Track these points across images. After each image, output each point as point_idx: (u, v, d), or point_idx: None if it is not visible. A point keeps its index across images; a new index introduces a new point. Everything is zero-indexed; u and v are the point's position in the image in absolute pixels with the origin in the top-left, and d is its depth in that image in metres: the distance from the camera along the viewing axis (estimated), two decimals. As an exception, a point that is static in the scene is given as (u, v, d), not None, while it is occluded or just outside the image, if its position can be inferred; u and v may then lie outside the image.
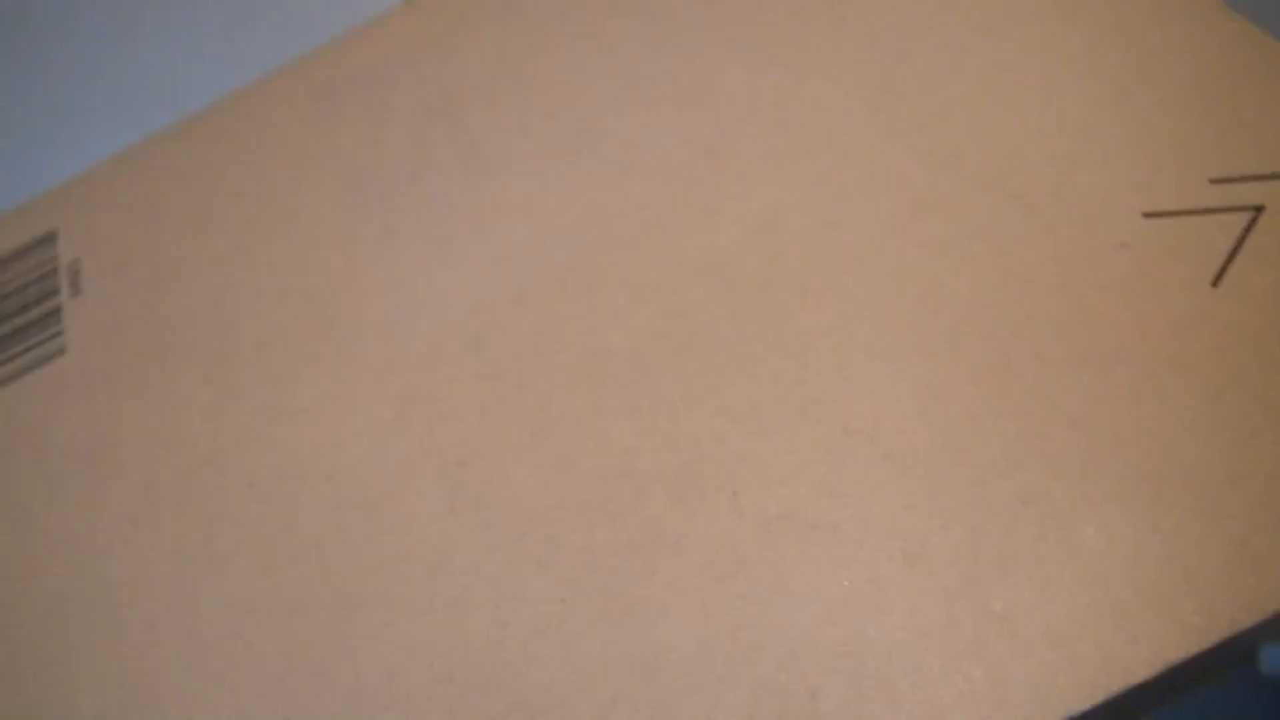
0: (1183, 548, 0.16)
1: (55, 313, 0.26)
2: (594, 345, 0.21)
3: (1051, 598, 0.16)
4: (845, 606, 0.17)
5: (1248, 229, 0.18)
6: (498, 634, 0.18)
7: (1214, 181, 0.19)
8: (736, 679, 0.17)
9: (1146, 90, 0.20)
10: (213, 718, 0.19)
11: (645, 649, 0.18)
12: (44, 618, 0.21)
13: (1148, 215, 0.19)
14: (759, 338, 0.20)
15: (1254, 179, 0.19)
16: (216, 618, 0.20)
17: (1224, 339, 0.18)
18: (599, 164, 0.24)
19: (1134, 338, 0.18)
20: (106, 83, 0.34)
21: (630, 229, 0.22)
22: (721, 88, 0.24)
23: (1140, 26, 0.22)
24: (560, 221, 0.23)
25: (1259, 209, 0.19)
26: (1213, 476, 0.16)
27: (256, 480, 0.22)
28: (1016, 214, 0.20)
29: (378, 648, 0.19)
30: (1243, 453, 0.17)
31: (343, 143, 0.27)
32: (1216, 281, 0.18)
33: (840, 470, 0.18)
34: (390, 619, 0.19)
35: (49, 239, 0.29)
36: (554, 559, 0.19)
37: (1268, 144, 0.19)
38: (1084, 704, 0.15)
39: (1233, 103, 0.20)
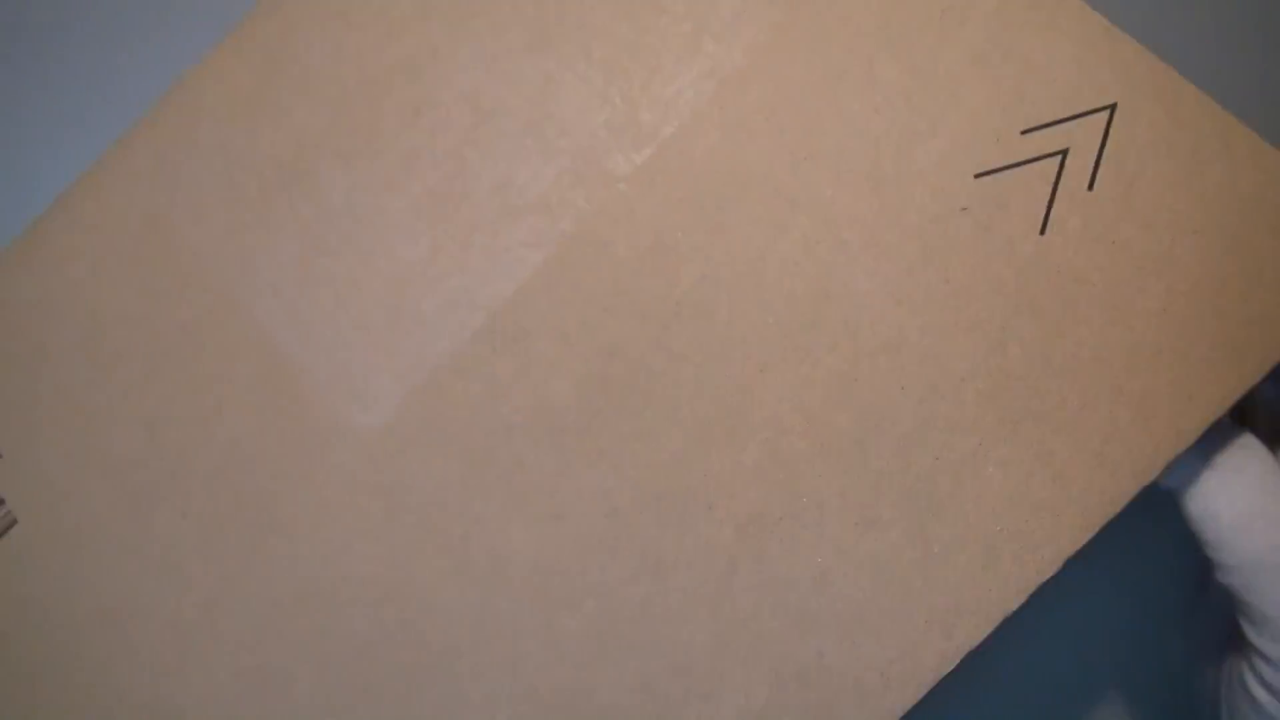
0: (1060, 467, 0.21)
1: (-16, 485, 0.26)
2: (541, 401, 0.23)
3: (975, 531, 0.21)
4: (825, 579, 0.21)
5: (1059, 174, 0.22)
6: (558, 674, 0.22)
7: (1024, 132, 0.22)
8: (758, 659, 0.21)
9: (952, 51, 0.23)
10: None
11: (680, 655, 0.22)
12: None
13: (978, 176, 0.22)
14: (685, 360, 0.23)
15: (1056, 124, 0.22)
16: (306, 734, 0.23)
17: (1057, 281, 0.22)
18: (477, 210, 0.25)
19: (989, 295, 0.22)
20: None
21: (534, 275, 0.24)
22: (566, 97, 0.25)
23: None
24: (464, 281, 0.24)
25: (1064, 152, 0.22)
26: (1071, 403, 0.21)
27: (280, 598, 0.24)
28: (871, 195, 0.23)
29: None
30: (1088, 377, 0.21)
31: (203, 237, 0.26)
32: (1044, 229, 0.22)
33: (788, 466, 0.22)
34: (463, 691, 0.23)
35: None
36: (578, 602, 0.22)
37: (1060, 89, 0.22)
38: (1014, 605, 0.21)
39: (1026, 54, 0.23)
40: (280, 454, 0.25)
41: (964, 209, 0.22)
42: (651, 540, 0.22)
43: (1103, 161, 0.22)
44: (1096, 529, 0.21)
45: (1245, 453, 0.22)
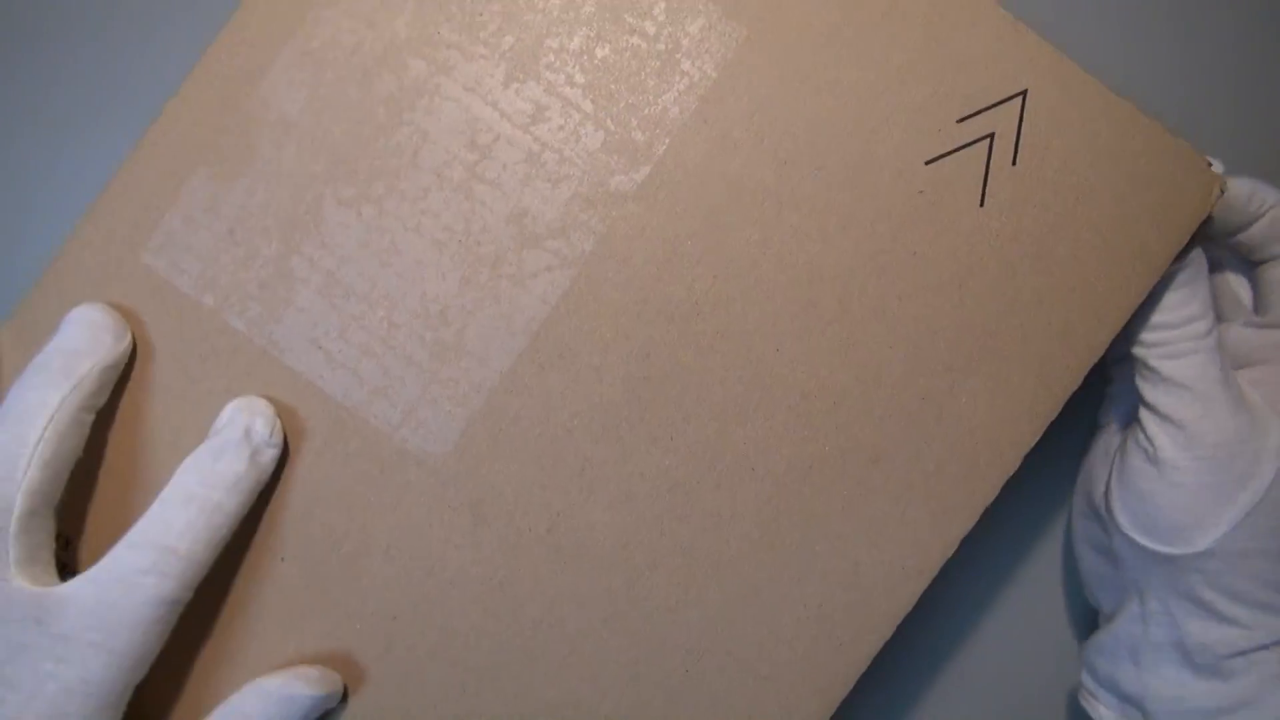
0: (1013, 389, 0.27)
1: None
2: (593, 404, 0.27)
3: (958, 448, 0.27)
4: (850, 507, 0.27)
5: (989, 156, 0.27)
6: (649, 622, 0.27)
7: (959, 121, 0.27)
8: (810, 578, 0.27)
9: (897, 52, 0.27)
10: None
11: (747, 587, 0.27)
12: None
13: (928, 162, 0.27)
14: (711, 350, 0.27)
15: (983, 111, 0.27)
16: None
17: (996, 243, 0.27)
18: (498, 242, 0.27)
19: (946, 261, 0.27)
20: None
21: (564, 295, 0.27)
22: (559, 124, 0.27)
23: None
24: (499, 309, 0.27)
25: (991, 135, 0.27)
26: (1016, 338, 0.27)
27: (397, 612, 0.27)
28: (844, 187, 0.27)
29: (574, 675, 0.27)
30: (1026, 316, 0.27)
31: (220, 302, 0.27)
32: (982, 202, 0.27)
33: (810, 423, 0.27)
34: (572, 654, 0.27)
35: None
36: (658, 562, 0.27)
37: (982, 80, 0.27)
38: (993, 495, 0.27)
39: (953, 50, 0.27)
40: (361, 488, 0.27)
41: (920, 191, 0.27)
42: (710, 503, 0.27)
43: (1021, 140, 0.27)
44: (1041, 432, 0.28)
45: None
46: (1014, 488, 0.27)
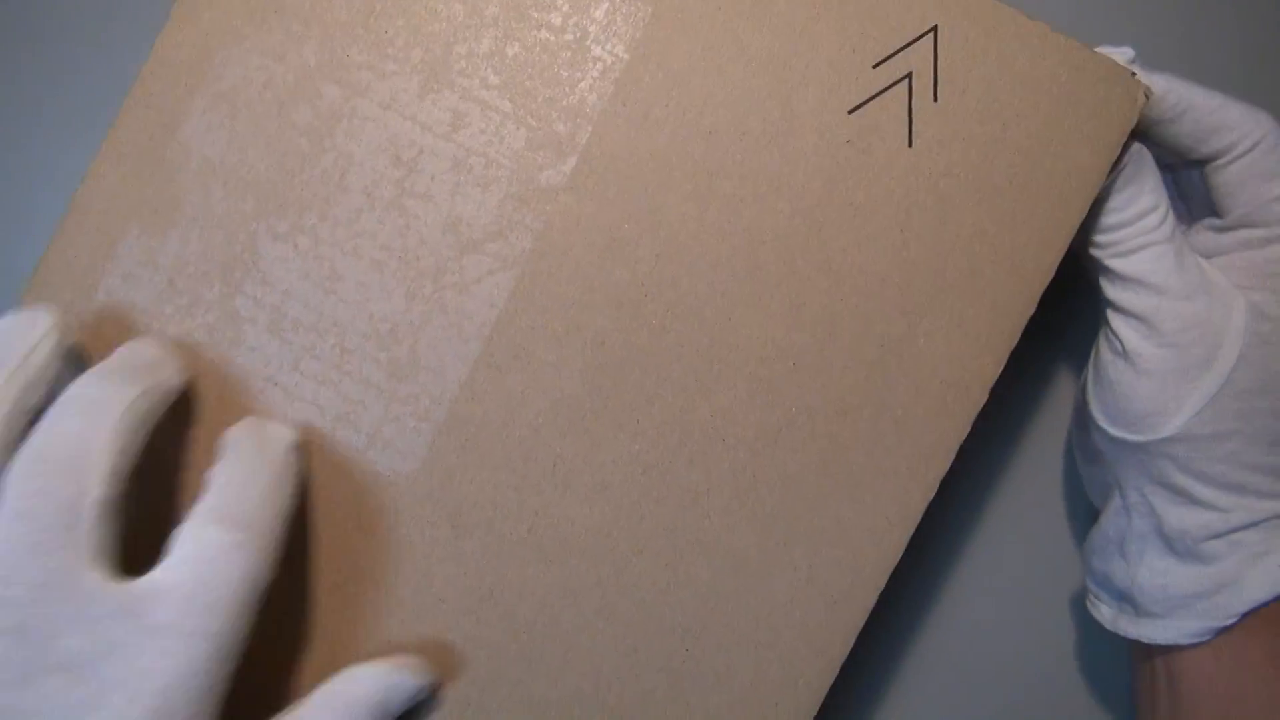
0: (969, 323, 0.27)
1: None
2: (555, 400, 0.27)
3: (923, 392, 0.27)
4: (827, 464, 0.27)
5: (909, 96, 0.27)
6: (643, 607, 0.27)
7: (875, 66, 0.27)
8: (795, 541, 0.27)
9: (799, 8, 0.27)
10: None
11: (734, 558, 0.27)
12: None
13: (850, 111, 0.27)
14: (664, 330, 0.27)
15: (897, 53, 0.27)
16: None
17: (930, 180, 0.27)
18: (437, 253, 0.27)
19: (884, 207, 0.27)
20: None
21: (511, 296, 0.27)
22: (480, 128, 0.27)
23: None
24: (448, 319, 0.27)
25: (909, 76, 0.27)
26: (965, 272, 0.27)
27: (390, 635, 0.27)
28: (771, 148, 0.27)
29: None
30: (971, 250, 0.27)
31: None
32: (910, 142, 0.27)
33: (774, 387, 0.27)
34: (570, 651, 0.27)
35: None
36: (642, 546, 0.27)
37: (891, 22, 0.27)
38: (964, 434, 0.27)
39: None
40: (338, 518, 0.27)
41: (848, 141, 0.27)
42: (685, 480, 0.27)
43: (939, 76, 0.27)
44: (1004, 363, 0.27)
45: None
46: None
